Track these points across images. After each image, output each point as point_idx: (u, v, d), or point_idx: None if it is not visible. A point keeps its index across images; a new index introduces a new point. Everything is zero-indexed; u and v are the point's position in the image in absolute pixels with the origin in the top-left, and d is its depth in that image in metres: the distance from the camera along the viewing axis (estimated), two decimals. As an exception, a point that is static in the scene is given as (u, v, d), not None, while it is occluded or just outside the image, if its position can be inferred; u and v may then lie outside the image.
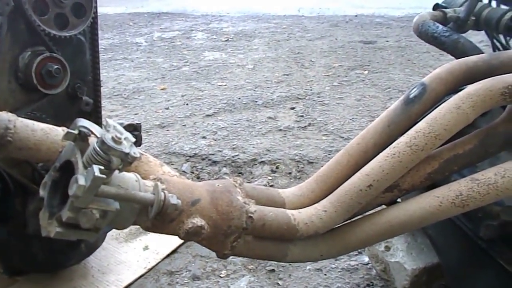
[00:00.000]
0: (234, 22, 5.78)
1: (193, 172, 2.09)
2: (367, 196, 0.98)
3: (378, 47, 4.46)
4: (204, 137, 2.44)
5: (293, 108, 2.89)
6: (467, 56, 1.02)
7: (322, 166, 1.08)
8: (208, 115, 2.78)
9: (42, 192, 0.73)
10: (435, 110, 0.94)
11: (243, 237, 0.90)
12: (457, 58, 1.15)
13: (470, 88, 0.91)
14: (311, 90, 3.24)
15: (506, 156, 0.97)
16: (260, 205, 0.95)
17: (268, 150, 2.28)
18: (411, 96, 1.01)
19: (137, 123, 1.37)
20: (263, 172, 2.11)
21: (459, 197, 0.90)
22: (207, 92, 3.21)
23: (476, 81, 0.92)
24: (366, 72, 3.68)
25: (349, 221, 1.03)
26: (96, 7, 1.24)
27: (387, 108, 1.05)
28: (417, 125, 0.95)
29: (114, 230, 1.57)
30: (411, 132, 0.95)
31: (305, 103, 2.98)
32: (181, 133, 2.52)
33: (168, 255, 1.56)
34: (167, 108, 2.95)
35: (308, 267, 1.51)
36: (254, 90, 3.24)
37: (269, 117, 2.73)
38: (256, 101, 3.01)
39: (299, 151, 2.28)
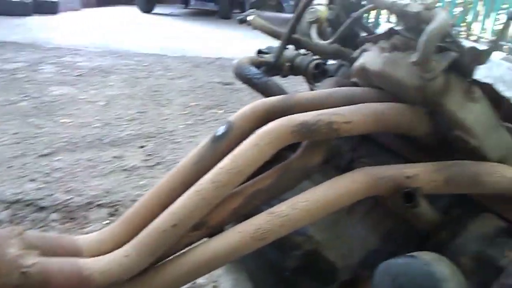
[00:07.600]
0: (90, 57, 5.51)
1: (11, 221, 1.83)
2: (172, 236, 0.93)
3: (235, 88, 4.64)
4: (32, 180, 2.19)
5: (142, 147, 2.80)
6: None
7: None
8: (42, 155, 2.51)
9: None
10: (237, 147, 0.96)
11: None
12: (267, 98, 1.21)
13: (266, 127, 0.95)
14: (164, 128, 3.19)
15: (307, 185, 1.02)
16: (48, 256, 0.84)
17: (108, 192, 2.13)
18: (217, 134, 1.02)
19: None
20: (99, 216, 1.96)
21: (259, 230, 0.91)
22: (46, 130, 2.93)
23: (275, 119, 0.97)
24: (222, 111, 3.78)
25: (156, 264, 0.98)
26: None
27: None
28: (221, 162, 0.95)
29: None
30: (215, 169, 0.95)
31: (156, 142, 2.91)
32: (4, 175, 2.22)
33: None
34: (-7, 148, 2.61)
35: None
36: (102, 128, 3.06)
37: (115, 157, 2.59)
38: (102, 139, 2.84)
39: (142, 191, 2.18)
